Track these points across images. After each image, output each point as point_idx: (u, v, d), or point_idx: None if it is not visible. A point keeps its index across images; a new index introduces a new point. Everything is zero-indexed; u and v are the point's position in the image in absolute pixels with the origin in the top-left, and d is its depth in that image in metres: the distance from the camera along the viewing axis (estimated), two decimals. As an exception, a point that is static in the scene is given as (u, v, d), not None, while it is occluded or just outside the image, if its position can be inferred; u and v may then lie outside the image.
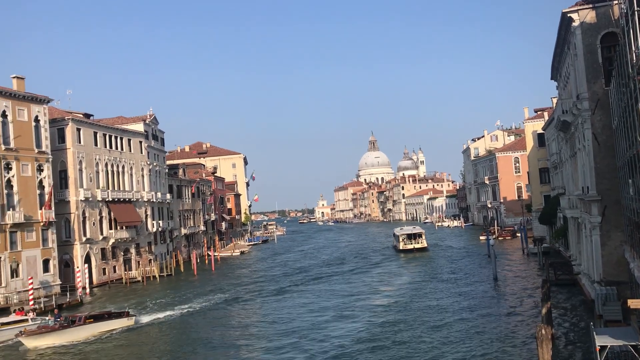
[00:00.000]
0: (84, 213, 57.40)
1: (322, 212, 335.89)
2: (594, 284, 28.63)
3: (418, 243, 75.06)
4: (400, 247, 75.40)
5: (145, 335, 33.73)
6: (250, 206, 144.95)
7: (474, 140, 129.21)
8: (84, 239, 56.87)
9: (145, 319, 38.00)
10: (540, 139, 68.62)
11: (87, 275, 53.81)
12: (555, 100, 52.65)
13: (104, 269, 60.04)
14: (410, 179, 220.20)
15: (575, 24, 28.69)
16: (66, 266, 55.24)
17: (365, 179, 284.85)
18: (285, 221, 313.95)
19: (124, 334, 33.95)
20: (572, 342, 25.22)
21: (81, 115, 61.37)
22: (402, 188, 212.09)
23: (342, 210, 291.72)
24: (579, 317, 29.83)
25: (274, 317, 36.84)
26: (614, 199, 27.01)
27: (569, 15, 29.07)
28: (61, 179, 56.47)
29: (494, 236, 79.76)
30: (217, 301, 44.34)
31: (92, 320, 34.11)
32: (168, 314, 39.28)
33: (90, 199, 58.22)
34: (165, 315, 39.15)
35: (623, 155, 22.62)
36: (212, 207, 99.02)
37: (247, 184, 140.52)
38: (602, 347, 16.60)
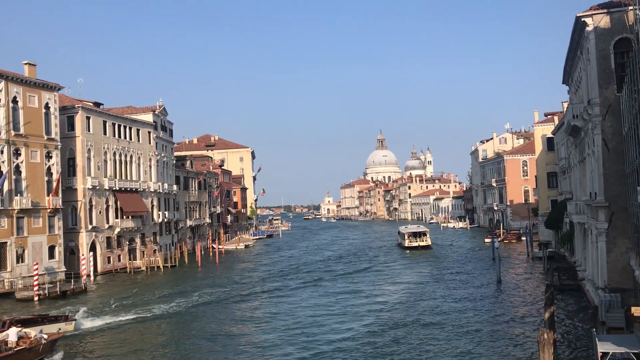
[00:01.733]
0: (90, 201, 57.67)
1: (328, 209, 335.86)
2: (598, 290, 28.51)
3: (422, 241, 78.23)
4: (406, 245, 78.42)
5: (85, 344, 28.99)
6: (256, 200, 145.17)
7: (482, 142, 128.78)
8: (90, 227, 57.15)
9: (94, 323, 32.99)
10: (550, 143, 68.28)
11: (91, 263, 54.13)
12: (566, 105, 52.35)
13: (109, 258, 60.32)
14: (417, 178, 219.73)
15: (589, 28, 28.51)
16: (71, 253, 55.56)
17: (372, 177, 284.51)
18: (291, 216, 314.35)
19: (59, 342, 27.65)
20: (574, 348, 25.14)
21: (91, 104, 61.62)
22: (409, 187, 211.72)
23: (348, 208, 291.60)
24: (582, 323, 29.72)
25: (274, 313, 36.89)
26: (622, 206, 26.87)
27: (583, 19, 28.89)
28: (69, 166, 56.75)
29: (499, 239, 79.53)
30: (219, 295, 44.43)
31: (20, 325, 26.90)
32: (126, 318, 35.01)
33: (97, 188, 58.47)
34: (119, 319, 34.53)
35: (632, 162, 22.49)
36: (218, 199, 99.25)
37: (254, 178, 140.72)
38: (604, 354, 16.55)
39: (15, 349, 24.37)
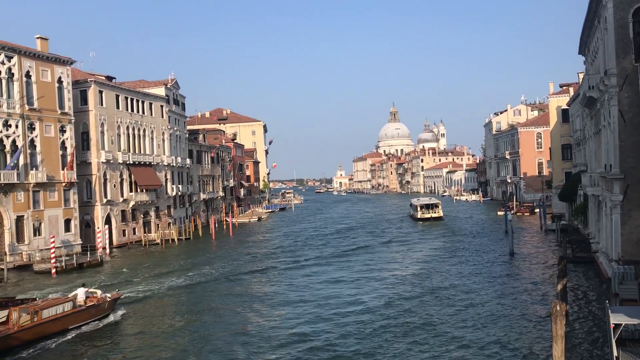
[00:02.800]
0: (105, 175, 58.14)
1: (340, 182, 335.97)
2: (612, 262, 28.43)
3: (435, 213, 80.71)
4: (418, 216, 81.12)
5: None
6: (268, 174, 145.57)
7: (496, 114, 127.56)
8: (104, 200, 57.73)
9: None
10: (564, 114, 67.52)
11: (107, 236, 54.79)
12: (581, 76, 51.56)
13: (124, 231, 61.03)
14: (430, 151, 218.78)
15: (607, -4, 27.90)
16: (87, 226, 56.26)
17: (384, 150, 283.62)
18: (304, 190, 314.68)
19: None
20: (586, 320, 25.19)
21: (103, 78, 61.68)
22: (422, 160, 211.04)
23: (360, 181, 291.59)
24: (595, 295, 29.72)
25: (287, 284, 37.29)
26: (637, 178, 26.63)
27: (601, -13, 28.28)
28: (83, 140, 57.12)
29: (512, 211, 79.32)
30: (233, 268, 44.90)
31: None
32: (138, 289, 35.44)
33: (111, 161, 58.88)
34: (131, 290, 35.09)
35: (649, 134, 22.20)
36: (231, 173, 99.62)
37: (266, 152, 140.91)
38: (617, 325, 16.56)
39: (87, 305, 27.54)
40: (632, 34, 27.29)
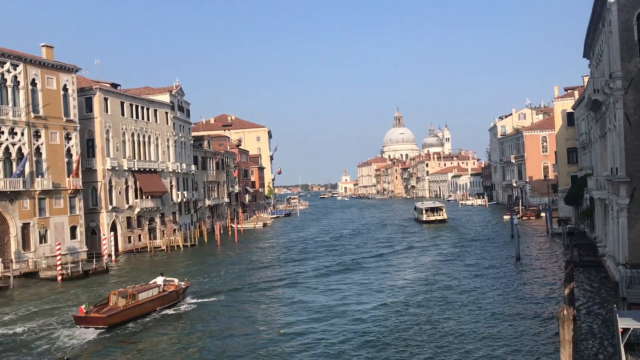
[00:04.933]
0: (110, 182, 58.28)
1: (345, 188, 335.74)
2: (619, 266, 28.26)
3: (439, 215, 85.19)
4: (423, 219, 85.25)
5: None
6: (273, 179, 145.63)
7: (501, 118, 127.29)
8: (110, 207, 57.84)
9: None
10: (570, 118, 67.31)
11: (112, 243, 54.87)
12: (586, 79, 51.42)
13: (130, 237, 61.12)
14: (435, 156, 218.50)
15: (612, 0, 27.84)
16: (93, 233, 56.37)
17: (389, 155, 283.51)
18: (309, 195, 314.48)
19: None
20: (594, 324, 25.04)
21: (108, 85, 61.92)
22: (426, 165, 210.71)
23: (365, 186, 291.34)
24: (602, 299, 29.55)
25: (294, 290, 37.22)
26: (644, 181, 26.46)
27: (605, -10, 28.22)
28: (88, 147, 57.31)
29: (518, 215, 79.07)
30: (239, 274, 44.85)
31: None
32: None
33: (116, 168, 59.03)
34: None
35: (655, 136, 22.09)
36: (236, 179, 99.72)
37: (271, 158, 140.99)
38: (625, 330, 16.42)
39: (169, 290, 32.29)
40: (637, 36, 27.22)
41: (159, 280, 32.85)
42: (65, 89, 52.04)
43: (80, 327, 27.11)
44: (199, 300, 33.73)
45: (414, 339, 24.26)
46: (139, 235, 62.94)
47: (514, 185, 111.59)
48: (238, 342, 25.10)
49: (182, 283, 34.40)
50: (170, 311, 31.09)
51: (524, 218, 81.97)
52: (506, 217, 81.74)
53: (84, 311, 27.43)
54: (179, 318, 30.02)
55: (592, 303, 29.08)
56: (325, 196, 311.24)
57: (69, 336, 26.28)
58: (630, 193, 27.33)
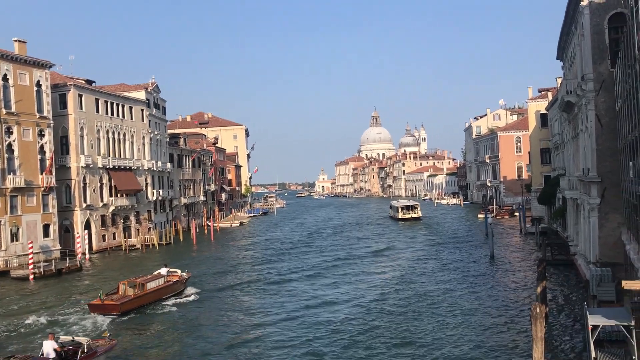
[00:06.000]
0: (84, 179, 57.53)
1: (323, 186, 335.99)
2: (590, 264, 28.83)
3: (414, 213, 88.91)
4: (399, 217, 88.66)
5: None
6: (250, 178, 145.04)
7: (476, 118, 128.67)
8: (84, 205, 57.10)
9: None
10: (543, 119, 68.33)
11: (86, 241, 54.18)
12: (560, 81, 52.26)
13: (104, 236, 60.40)
14: (411, 155, 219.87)
15: (584, 3, 28.36)
16: (66, 232, 55.58)
17: (366, 155, 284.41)
18: (286, 194, 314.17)
19: None
20: (565, 321, 25.52)
21: (83, 82, 61.08)
22: (403, 164, 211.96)
23: (343, 185, 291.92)
24: (574, 296, 30.11)
25: (268, 289, 37.18)
26: (614, 181, 27.05)
27: (578, -6, 28.75)
28: (62, 144, 56.46)
29: (492, 215, 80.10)
30: (214, 272, 44.64)
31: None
32: None
33: (91, 166, 58.29)
34: None
35: (625, 138, 22.59)
36: (213, 177, 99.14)
37: (248, 156, 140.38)
38: (595, 327, 16.80)
39: (173, 280, 34.39)
40: (608, 40, 27.76)
41: (163, 271, 35.11)
42: (38, 84, 51.19)
43: (96, 315, 29.06)
44: (198, 290, 35.78)
45: (387, 337, 24.43)
46: (114, 234, 62.23)
47: (489, 184, 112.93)
48: (204, 343, 25.04)
49: (184, 274, 36.39)
50: (175, 300, 33.19)
51: (498, 217, 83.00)
52: (480, 216, 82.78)
53: (100, 299, 29.74)
54: (184, 305, 32.26)
55: (563, 301, 29.62)
56: (303, 195, 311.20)
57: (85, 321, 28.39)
58: (601, 193, 27.89)
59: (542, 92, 73.71)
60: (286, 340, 24.81)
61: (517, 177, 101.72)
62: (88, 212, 57.71)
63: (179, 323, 28.42)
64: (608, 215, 27.76)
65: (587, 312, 17.73)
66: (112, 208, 61.46)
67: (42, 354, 19.71)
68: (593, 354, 16.68)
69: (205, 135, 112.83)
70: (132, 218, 65.89)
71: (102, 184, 60.58)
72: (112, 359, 22.09)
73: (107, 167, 61.09)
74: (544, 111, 67.41)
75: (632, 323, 16.29)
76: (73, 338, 21.23)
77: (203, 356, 23.09)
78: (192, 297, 34.08)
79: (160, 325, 28.03)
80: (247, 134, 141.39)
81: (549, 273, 34.13)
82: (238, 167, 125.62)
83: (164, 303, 32.22)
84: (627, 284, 16.63)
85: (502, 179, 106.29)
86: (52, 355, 19.46)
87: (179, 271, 36.41)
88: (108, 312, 29.24)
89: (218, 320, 28.93)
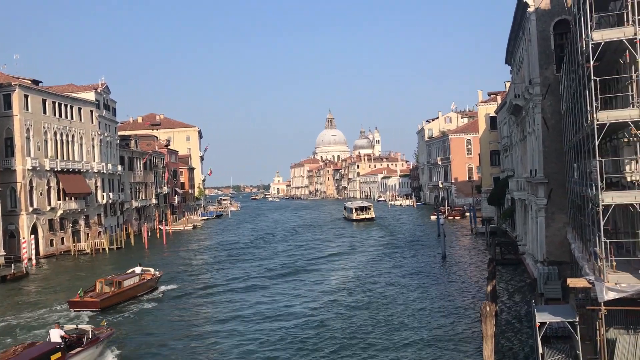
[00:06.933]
0: (31, 182, 55.68)
1: (278, 189, 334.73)
2: (537, 263, 29.64)
3: (368, 214, 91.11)
4: (353, 217, 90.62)
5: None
6: (204, 180, 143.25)
7: (428, 121, 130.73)
8: (30, 209, 55.25)
9: None
10: (493, 122, 69.98)
11: (33, 247, 52.42)
12: (508, 85, 53.65)
13: (52, 241, 58.59)
14: (366, 157, 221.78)
15: (531, 9, 29.22)
16: (11, 237, 53.59)
17: (321, 157, 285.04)
18: (241, 197, 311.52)
19: None
20: (514, 319, 26.15)
21: (29, 82, 59.15)
22: (358, 166, 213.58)
23: (298, 187, 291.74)
24: (522, 295, 30.88)
25: (222, 295, 36.83)
26: (560, 183, 27.91)
27: (525, 0, 29.57)
28: (7, 146, 54.55)
29: (444, 215, 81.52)
30: (166, 277, 43.93)
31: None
32: None
33: (37, 168, 56.46)
34: None
35: (570, 140, 23.34)
36: (165, 180, 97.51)
37: (202, 158, 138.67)
38: (542, 324, 17.26)
39: (147, 278, 36.18)
40: (554, 45, 28.68)
41: (137, 269, 36.91)
42: (-19, 84, 49.30)
43: (75, 311, 30.33)
44: (169, 287, 37.68)
45: (338, 338, 24.49)
46: (62, 238, 60.44)
47: (440, 186, 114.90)
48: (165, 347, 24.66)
49: (157, 272, 38.20)
50: (148, 296, 34.97)
51: (449, 218, 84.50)
52: (433, 217, 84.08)
53: (79, 296, 31.10)
54: (158, 301, 34.08)
55: (513, 299, 30.36)
56: (257, 197, 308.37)
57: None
58: (547, 194, 28.75)
59: (492, 96, 75.52)
60: (239, 346, 24.59)
61: (467, 179, 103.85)
62: (35, 216, 55.88)
63: (155, 317, 30.02)
64: (554, 215, 28.63)
65: (535, 310, 18.21)
66: (60, 212, 59.68)
67: (50, 341, 21.21)
68: (540, 350, 17.15)
69: (157, 137, 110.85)
70: (82, 222, 64.15)
71: (49, 187, 58.77)
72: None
73: (55, 169, 59.30)
74: (493, 114, 69.04)
75: (577, 319, 16.84)
76: (77, 326, 23.63)
77: (178, 346, 24.58)
78: (164, 294, 35.81)
79: (139, 320, 29.56)
80: (200, 136, 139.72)
81: (499, 272, 34.95)
82: (191, 170, 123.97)
83: (140, 299, 33.94)
84: (572, 282, 17.18)
85: (453, 181, 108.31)
86: (60, 341, 20.95)
87: (152, 270, 38.20)
88: (88, 308, 30.66)
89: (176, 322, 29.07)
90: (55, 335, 21.23)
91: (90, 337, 21.82)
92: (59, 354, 19.57)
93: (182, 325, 28.29)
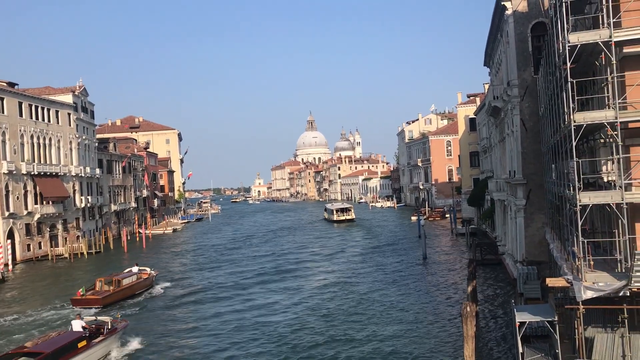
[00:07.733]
0: (7, 186, 54.79)
1: (259, 191, 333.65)
2: (517, 263, 29.93)
3: (348, 215, 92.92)
4: (334, 219, 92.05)
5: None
6: (184, 183, 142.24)
7: (408, 123, 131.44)
8: (6, 213, 54.36)
9: None
10: (472, 123, 70.56)
11: (9, 252, 51.55)
12: (487, 86, 54.12)
13: (29, 245, 57.71)
14: (347, 159, 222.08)
15: (509, 12, 29.51)
16: (-13, 242, 52.67)
17: (302, 159, 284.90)
18: (221, 199, 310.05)
19: None
20: (494, 319, 26.37)
21: (5, 84, 58.24)
22: (339, 168, 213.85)
23: (279, 190, 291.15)
24: (502, 295, 31.16)
25: (202, 299, 36.60)
26: (538, 183, 28.21)
27: (502, 3, 29.87)
28: (-18, 150, 53.55)
29: (424, 217, 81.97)
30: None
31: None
32: None
33: (14, 172, 55.58)
34: None
35: (548, 141, 23.59)
36: (144, 183, 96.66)
37: (182, 161, 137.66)
38: (522, 323, 17.42)
39: (144, 278, 37.78)
40: (531, 47, 29.00)
41: (134, 269, 38.51)
42: (-45, 87, 48.42)
43: (77, 308, 31.47)
44: (165, 285, 39.45)
45: (318, 340, 24.48)
46: (39, 243, 59.55)
47: (421, 187, 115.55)
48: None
49: (153, 272, 39.79)
50: (146, 294, 36.55)
51: (430, 219, 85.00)
52: (413, 218, 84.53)
53: (81, 294, 32.71)
54: (155, 299, 35.64)
55: (493, 299, 30.61)
56: (238, 200, 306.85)
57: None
58: (526, 194, 29.04)
59: (471, 98, 76.12)
60: (222, 346, 24.48)
61: (447, 180, 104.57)
62: (11, 220, 54.98)
63: (154, 313, 31.62)
64: (533, 215, 28.93)
65: (515, 310, 18.37)
66: (37, 216, 58.81)
67: (72, 330, 23.30)
68: (520, 349, 17.30)
69: (136, 140, 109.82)
70: (59, 226, 63.28)
71: (26, 191, 57.88)
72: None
73: (32, 173, 58.44)
74: (472, 116, 69.60)
75: (556, 319, 17.02)
76: (96, 318, 25.91)
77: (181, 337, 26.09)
78: (161, 292, 37.44)
79: (140, 315, 31.18)
80: (180, 138, 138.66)
81: (479, 273, 35.23)
82: (171, 173, 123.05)
83: (138, 297, 35.53)
84: (550, 282, 17.36)
85: (433, 182, 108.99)
86: (81, 330, 23.10)
87: (148, 269, 39.84)
88: (90, 305, 32.14)
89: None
90: (77, 325, 23.35)
91: (109, 327, 24.14)
92: (84, 342, 22.05)
93: (172, 322, 29.56)
